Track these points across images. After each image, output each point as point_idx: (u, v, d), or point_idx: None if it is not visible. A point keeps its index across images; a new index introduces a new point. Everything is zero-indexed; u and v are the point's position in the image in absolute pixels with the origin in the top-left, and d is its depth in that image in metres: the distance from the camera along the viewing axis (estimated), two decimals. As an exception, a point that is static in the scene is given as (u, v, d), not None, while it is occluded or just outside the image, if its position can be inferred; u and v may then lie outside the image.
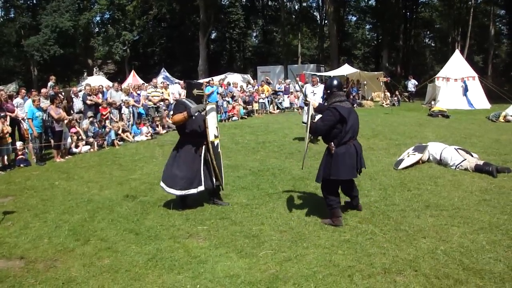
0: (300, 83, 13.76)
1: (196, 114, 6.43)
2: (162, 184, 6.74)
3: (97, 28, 49.05)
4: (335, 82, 6.17)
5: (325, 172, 5.88)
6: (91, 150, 12.91)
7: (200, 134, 6.62)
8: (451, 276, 4.35)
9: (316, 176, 6.13)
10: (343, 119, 5.76)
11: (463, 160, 8.79)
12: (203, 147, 6.70)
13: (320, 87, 12.92)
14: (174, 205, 6.80)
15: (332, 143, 5.83)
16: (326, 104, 6.25)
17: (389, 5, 43.48)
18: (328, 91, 6.17)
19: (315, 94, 12.74)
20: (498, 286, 4.18)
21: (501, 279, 4.29)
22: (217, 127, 7.04)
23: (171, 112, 17.46)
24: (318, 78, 13.81)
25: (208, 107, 6.59)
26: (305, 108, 6.66)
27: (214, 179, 6.85)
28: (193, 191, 6.60)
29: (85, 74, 40.21)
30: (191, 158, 6.61)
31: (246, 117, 20.74)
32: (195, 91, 6.73)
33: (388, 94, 27.59)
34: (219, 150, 7.09)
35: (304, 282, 4.34)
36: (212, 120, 6.74)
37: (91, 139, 13.14)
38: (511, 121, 16.55)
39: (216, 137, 6.92)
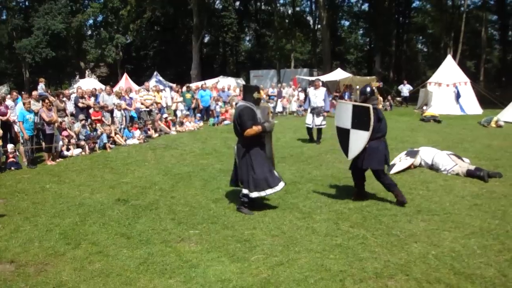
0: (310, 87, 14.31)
1: (271, 131, 6.79)
2: (245, 191, 6.61)
3: (89, 31, 48.97)
4: (368, 88, 7.15)
5: (358, 163, 6.97)
6: (83, 153, 12.82)
7: (261, 136, 6.71)
8: (442, 280, 4.36)
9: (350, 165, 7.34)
10: (379, 118, 6.80)
11: (455, 165, 8.84)
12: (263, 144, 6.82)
13: (322, 90, 13.40)
14: (242, 208, 6.73)
15: None
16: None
17: (382, 10, 43.69)
18: (366, 96, 7.09)
19: (317, 97, 13.25)
20: (489, 291, 4.20)
21: (492, 283, 4.31)
22: None
23: (164, 116, 17.70)
24: (321, 82, 14.12)
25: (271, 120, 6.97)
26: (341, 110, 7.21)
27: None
28: (271, 191, 6.59)
29: (77, 76, 40.21)
30: (263, 157, 6.68)
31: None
32: (256, 95, 6.75)
33: (380, 98, 27.63)
34: None
35: (295, 287, 4.34)
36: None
37: (82, 142, 13.07)
38: (503, 126, 16.67)
39: None
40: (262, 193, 6.56)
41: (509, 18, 47.03)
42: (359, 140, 6.81)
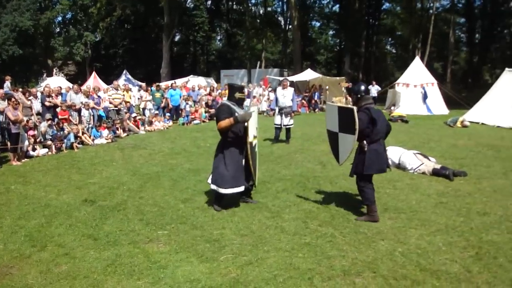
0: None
1: (243, 121, 6.56)
2: (212, 185, 6.78)
3: (58, 28, 48.11)
4: (362, 87, 6.58)
5: (358, 168, 6.36)
6: (49, 153, 12.56)
7: (242, 135, 6.71)
8: (408, 277, 4.44)
9: (351, 171, 6.61)
10: (373, 119, 6.20)
11: (421, 164, 9.01)
12: (244, 147, 6.77)
13: (290, 90, 13.30)
14: (214, 204, 6.83)
15: (365, 141, 6.26)
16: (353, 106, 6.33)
17: (353, 12, 44.23)
18: (358, 95, 6.50)
19: (285, 97, 13.12)
20: (454, 286, 4.30)
21: (457, 279, 4.40)
22: (256, 128, 7.29)
23: (133, 115, 17.50)
24: (289, 81, 14.04)
25: (251, 110, 6.78)
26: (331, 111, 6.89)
27: (248, 179, 6.98)
28: (238, 189, 6.63)
29: (45, 75, 39.34)
30: (237, 158, 6.67)
31: (208, 120, 20.39)
32: (237, 94, 6.81)
33: (349, 99, 27.95)
34: (256, 149, 7.32)
35: (264, 286, 4.35)
36: (253, 122, 6.85)
37: (49, 142, 12.81)
38: (468, 126, 17.05)
39: (254, 137, 7.13)
40: (231, 190, 6.59)
41: (476, 21, 48.29)
42: (346, 144, 6.50)
